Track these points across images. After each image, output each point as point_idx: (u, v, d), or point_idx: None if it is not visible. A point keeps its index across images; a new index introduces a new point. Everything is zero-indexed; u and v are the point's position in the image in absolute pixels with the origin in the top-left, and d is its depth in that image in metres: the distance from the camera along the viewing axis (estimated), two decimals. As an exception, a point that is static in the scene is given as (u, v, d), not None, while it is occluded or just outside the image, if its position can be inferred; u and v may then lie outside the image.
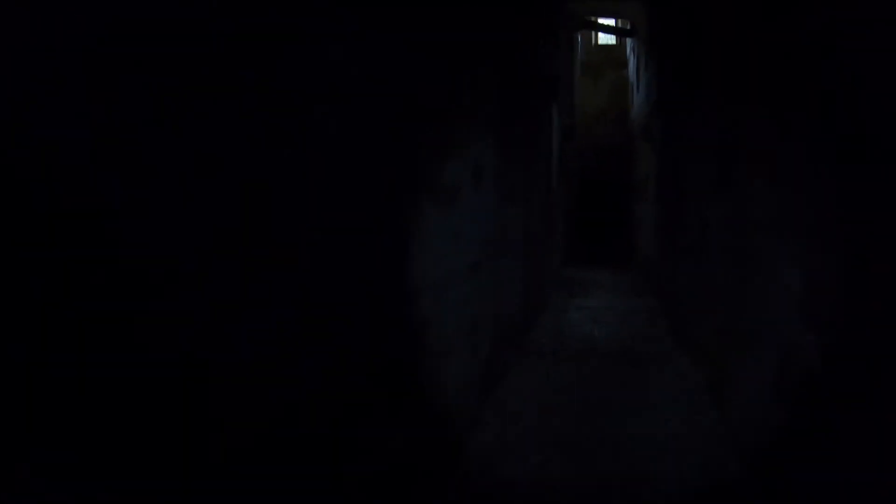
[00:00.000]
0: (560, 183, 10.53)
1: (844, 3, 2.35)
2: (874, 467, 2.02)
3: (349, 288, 2.14)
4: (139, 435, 1.24)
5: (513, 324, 5.90)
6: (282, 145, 1.72)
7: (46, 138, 1.06)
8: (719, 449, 3.84)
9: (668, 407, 4.56)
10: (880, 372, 1.99)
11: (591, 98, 17.10)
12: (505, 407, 4.52)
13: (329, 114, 1.96)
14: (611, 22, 14.84)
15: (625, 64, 17.04)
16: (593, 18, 14.76)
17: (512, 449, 3.81)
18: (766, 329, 3.47)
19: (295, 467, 1.76)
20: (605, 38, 18.71)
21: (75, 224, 1.11)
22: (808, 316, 2.73)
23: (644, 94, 11.90)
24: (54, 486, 1.09)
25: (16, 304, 1.01)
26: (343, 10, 2.04)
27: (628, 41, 15.92)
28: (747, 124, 4.14)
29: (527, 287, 6.46)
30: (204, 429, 1.42)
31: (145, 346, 1.25)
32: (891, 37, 1.92)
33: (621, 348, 6.43)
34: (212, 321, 1.45)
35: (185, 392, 1.36)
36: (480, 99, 4.08)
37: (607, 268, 13.88)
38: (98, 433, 1.16)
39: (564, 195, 12.19)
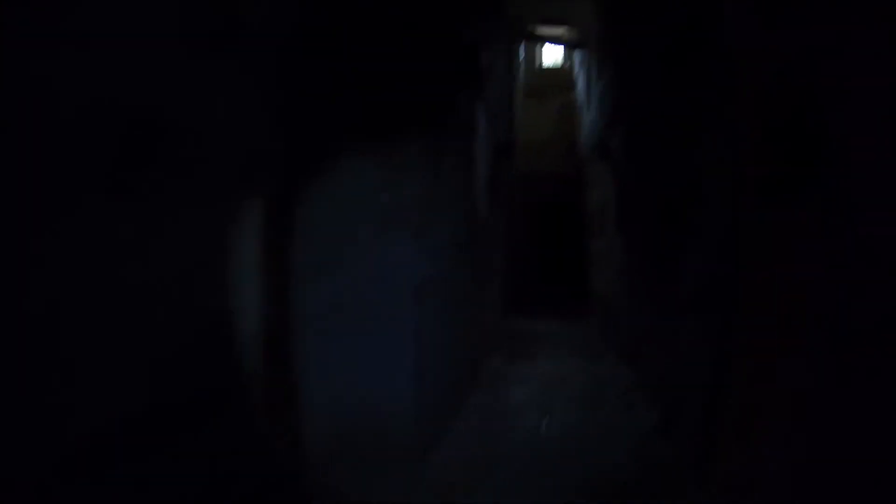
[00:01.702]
0: (497, 214, 8.02)
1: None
2: None
3: None
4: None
5: (384, 446, 3.32)
6: None
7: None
8: None
9: None
10: None
11: (537, 123, 14.79)
12: None
13: None
14: (558, 32, 12.57)
15: (572, 87, 14.81)
16: (538, 31, 12.52)
17: None
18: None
19: None
20: (550, 62, 16.59)
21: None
22: None
23: (597, 109, 9.62)
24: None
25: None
26: None
27: (576, 61, 13.75)
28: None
29: (424, 371, 3.86)
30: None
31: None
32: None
33: (593, 476, 3.83)
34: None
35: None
36: None
37: (560, 315, 11.33)
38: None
39: (505, 229, 9.68)
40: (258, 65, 2.39)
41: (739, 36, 2.90)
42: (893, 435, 1.72)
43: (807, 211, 2.18)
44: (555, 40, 12.37)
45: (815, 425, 2.20)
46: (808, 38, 2.18)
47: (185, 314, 1.96)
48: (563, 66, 15.85)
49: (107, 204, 1.49)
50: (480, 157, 6.09)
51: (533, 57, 15.87)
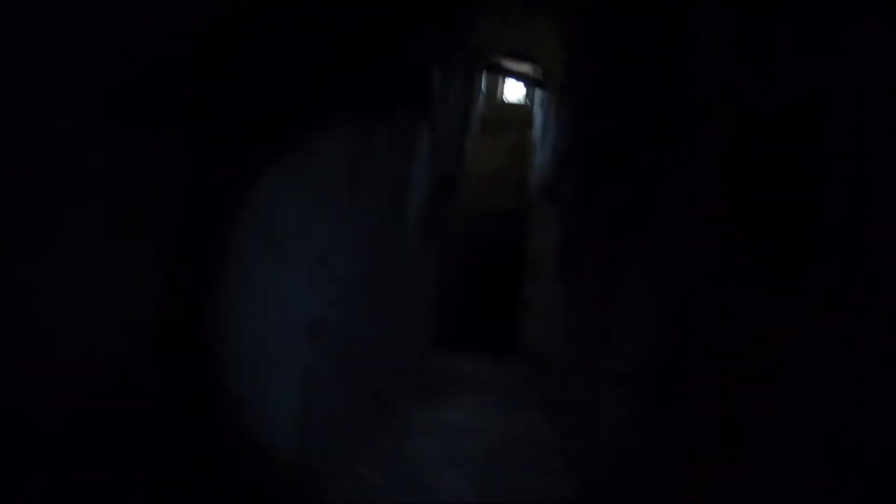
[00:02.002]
0: (432, 248, 7.57)
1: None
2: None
3: None
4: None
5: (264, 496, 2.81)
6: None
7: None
8: None
9: None
10: None
11: (490, 158, 14.46)
12: None
13: None
14: (522, 68, 12.27)
15: (530, 125, 14.54)
16: (502, 63, 12.20)
17: None
18: None
19: None
20: (511, 98, 16.35)
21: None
22: None
23: (550, 150, 9.31)
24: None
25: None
26: None
27: (536, 98, 13.49)
28: None
29: (313, 416, 3.33)
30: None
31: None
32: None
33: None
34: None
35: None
36: None
37: (489, 355, 10.89)
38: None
39: (441, 265, 9.24)
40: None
41: (712, 66, 2.51)
42: None
43: (793, 290, 1.74)
44: (518, 76, 12.07)
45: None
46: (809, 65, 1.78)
47: None
48: (524, 103, 15.62)
49: None
50: (417, 185, 5.64)
51: (494, 91, 15.62)
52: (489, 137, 14.60)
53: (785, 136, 1.81)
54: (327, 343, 3.28)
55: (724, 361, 2.12)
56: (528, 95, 15.20)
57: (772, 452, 1.71)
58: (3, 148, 1.43)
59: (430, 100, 4.99)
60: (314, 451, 3.40)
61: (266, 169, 2.71)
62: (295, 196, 2.83)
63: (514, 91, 16.44)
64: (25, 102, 1.53)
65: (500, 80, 15.56)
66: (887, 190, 1.30)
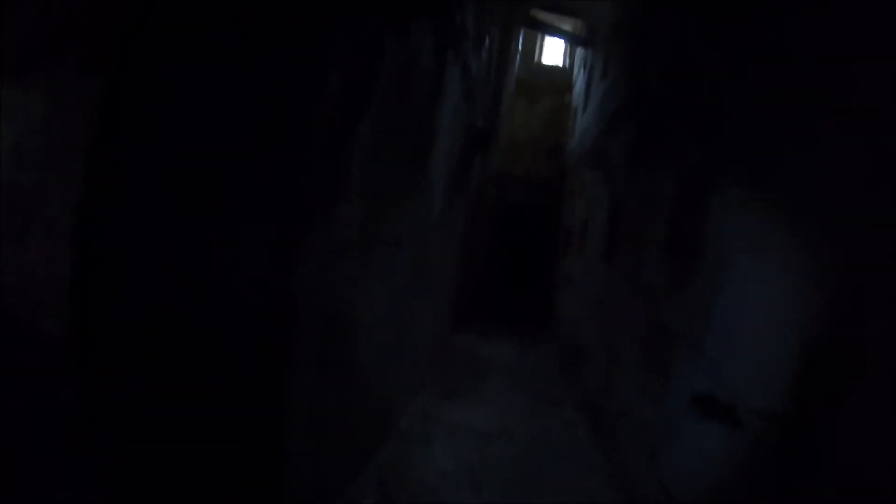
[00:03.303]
0: (459, 212, 6.50)
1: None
2: None
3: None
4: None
5: None
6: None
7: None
8: None
9: None
10: None
11: (525, 123, 13.31)
12: None
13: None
14: (565, 25, 11.02)
15: (567, 90, 13.35)
16: (542, 17, 10.98)
17: None
18: None
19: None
20: (549, 60, 15.08)
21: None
22: None
23: (596, 112, 8.16)
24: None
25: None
26: None
27: (577, 61, 12.26)
28: None
29: (305, 422, 2.33)
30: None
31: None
32: None
33: None
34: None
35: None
36: None
37: (517, 338, 9.78)
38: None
39: (468, 231, 8.18)
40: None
41: None
42: None
43: None
44: (559, 33, 10.84)
45: None
46: None
47: None
48: (562, 65, 14.39)
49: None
50: (446, 134, 4.55)
51: (532, 52, 14.40)
52: (525, 101, 13.46)
53: None
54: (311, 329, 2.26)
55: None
56: (569, 55, 13.97)
57: None
58: None
59: (459, 26, 3.88)
60: (308, 461, 2.43)
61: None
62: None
63: (552, 54, 15.24)
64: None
65: (539, 40, 14.34)
66: None
